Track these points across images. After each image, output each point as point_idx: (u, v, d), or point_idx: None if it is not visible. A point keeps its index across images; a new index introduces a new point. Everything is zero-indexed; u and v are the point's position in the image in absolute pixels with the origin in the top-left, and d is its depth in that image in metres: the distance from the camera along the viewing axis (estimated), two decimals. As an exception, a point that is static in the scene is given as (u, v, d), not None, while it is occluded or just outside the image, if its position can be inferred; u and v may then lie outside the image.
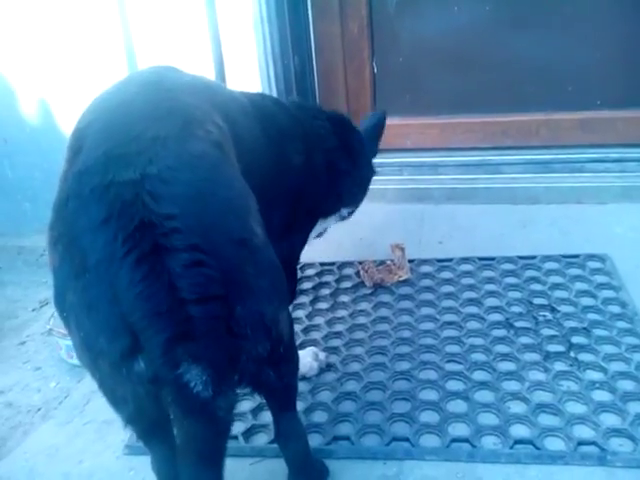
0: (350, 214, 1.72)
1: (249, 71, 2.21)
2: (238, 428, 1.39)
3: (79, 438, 1.46)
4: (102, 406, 1.16)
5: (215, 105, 1.11)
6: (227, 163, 0.98)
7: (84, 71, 2.18)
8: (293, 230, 1.46)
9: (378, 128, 1.75)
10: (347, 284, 1.90)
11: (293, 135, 1.43)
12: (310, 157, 1.44)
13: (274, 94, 2.28)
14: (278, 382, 1.06)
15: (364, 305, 1.79)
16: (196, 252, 0.83)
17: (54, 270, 0.89)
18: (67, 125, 1.03)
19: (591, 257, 1.87)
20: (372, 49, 2.45)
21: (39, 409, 1.61)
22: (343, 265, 2.00)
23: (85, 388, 1.61)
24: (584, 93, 2.31)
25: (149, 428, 1.03)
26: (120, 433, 1.38)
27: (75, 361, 1.69)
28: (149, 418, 0.98)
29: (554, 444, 1.27)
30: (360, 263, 1.94)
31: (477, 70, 2.37)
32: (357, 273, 1.93)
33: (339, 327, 1.71)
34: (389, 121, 1.76)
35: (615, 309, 1.64)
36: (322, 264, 2.01)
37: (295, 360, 1.16)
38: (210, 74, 2.10)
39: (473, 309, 1.71)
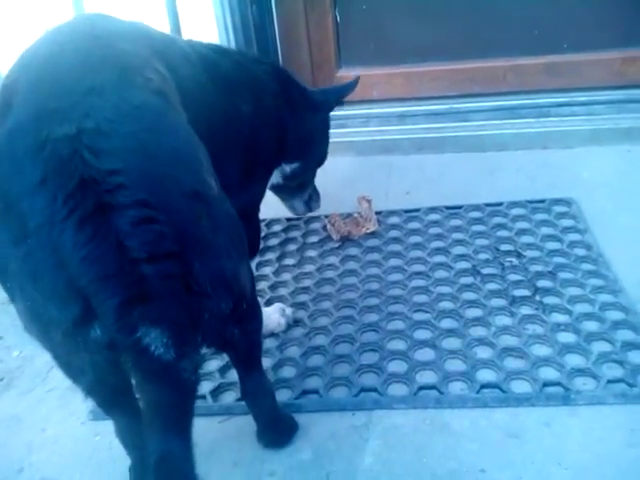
0: (292, 174, 1.63)
1: (205, 22, 2.11)
2: (206, 387, 1.38)
3: (42, 406, 1.42)
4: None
5: (155, 52, 1.04)
6: (172, 112, 0.92)
7: (28, 21, 2.05)
8: (252, 180, 1.42)
9: (343, 88, 1.73)
10: (314, 239, 1.88)
11: (240, 83, 1.37)
12: (259, 103, 1.39)
13: (233, 46, 2.19)
14: (243, 339, 1.04)
15: (332, 259, 1.77)
16: (144, 208, 0.78)
17: None
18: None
19: (557, 202, 1.86)
20: (334, -4, 2.36)
21: (1, 379, 1.56)
22: (309, 220, 1.96)
23: (48, 355, 1.56)
24: (550, 37, 2.27)
25: (110, 397, 1.00)
26: (85, 399, 1.35)
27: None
28: (110, 387, 0.95)
29: (520, 387, 1.28)
30: (327, 217, 1.91)
31: (442, 16, 2.31)
32: (324, 227, 1.90)
33: (307, 282, 1.69)
34: (354, 72, 1.71)
35: (580, 252, 1.64)
36: (288, 219, 1.97)
37: (259, 316, 1.14)
38: (164, 26, 2.00)
39: (441, 258, 1.70)
